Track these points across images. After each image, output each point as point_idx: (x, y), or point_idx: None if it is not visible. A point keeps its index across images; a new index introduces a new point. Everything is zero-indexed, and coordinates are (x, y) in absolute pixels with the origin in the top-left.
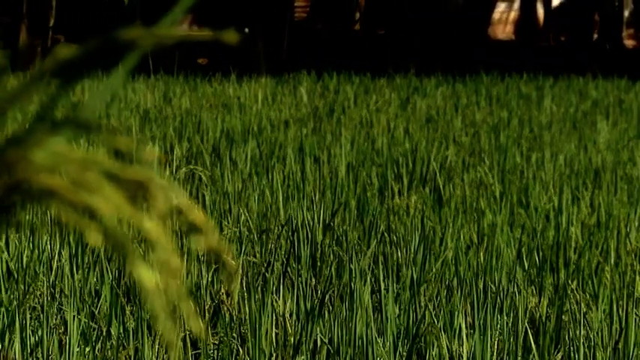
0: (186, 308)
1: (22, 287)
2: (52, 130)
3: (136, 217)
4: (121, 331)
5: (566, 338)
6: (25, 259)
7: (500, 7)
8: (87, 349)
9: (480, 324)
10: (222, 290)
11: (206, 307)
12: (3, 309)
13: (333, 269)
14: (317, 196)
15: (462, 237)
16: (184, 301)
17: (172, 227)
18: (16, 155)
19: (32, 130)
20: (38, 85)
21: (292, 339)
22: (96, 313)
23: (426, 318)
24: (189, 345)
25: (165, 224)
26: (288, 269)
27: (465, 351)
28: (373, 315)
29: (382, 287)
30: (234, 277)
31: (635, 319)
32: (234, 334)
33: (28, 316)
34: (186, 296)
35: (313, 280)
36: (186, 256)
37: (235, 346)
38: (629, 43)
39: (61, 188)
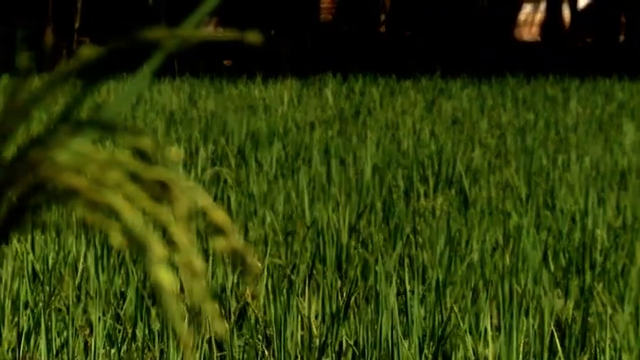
0: (211, 310)
1: (48, 289)
2: (75, 131)
3: (160, 218)
4: (147, 332)
5: (592, 340)
6: (50, 261)
7: (526, 8)
8: (112, 351)
9: (505, 326)
10: (248, 292)
11: (231, 309)
12: (29, 311)
13: (358, 271)
14: (342, 198)
15: (487, 239)
16: (208, 303)
17: (196, 229)
18: (39, 155)
19: (56, 130)
20: (62, 85)
21: (317, 341)
22: (121, 314)
23: (452, 320)
24: (214, 347)
25: (189, 226)
26: (314, 271)
27: (490, 353)
28: (399, 317)
29: (408, 289)
30: (258, 279)
31: None
32: (259, 336)
33: (54, 317)
34: (210, 298)
35: (339, 282)
36: (211, 257)
37: (261, 348)
38: None
39: (84, 188)
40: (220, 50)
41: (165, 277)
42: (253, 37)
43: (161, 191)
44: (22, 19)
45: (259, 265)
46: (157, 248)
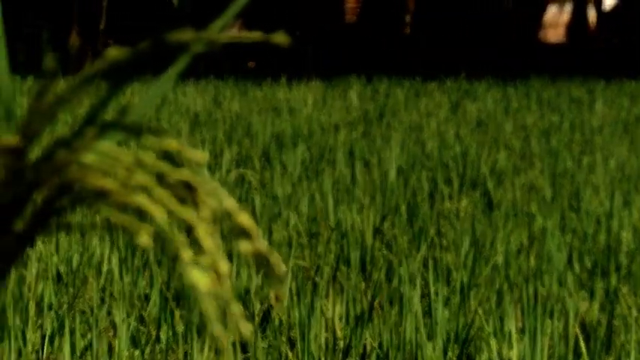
0: (236, 312)
1: (72, 290)
2: (101, 133)
3: (186, 220)
4: (170, 334)
5: (617, 343)
6: (74, 263)
7: (552, 9)
8: (136, 353)
9: (530, 328)
10: (272, 295)
11: (255, 311)
12: (53, 312)
13: (382, 273)
14: (367, 200)
15: (512, 241)
16: (233, 305)
17: (221, 230)
18: (66, 157)
19: (81, 132)
20: (88, 88)
21: (341, 343)
22: (145, 316)
23: (476, 322)
24: (238, 348)
25: (214, 227)
26: (338, 273)
27: (514, 356)
28: (423, 319)
29: (432, 291)
30: (282, 283)
31: None
32: (283, 338)
33: (78, 319)
34: (234, 300)
35: (363, 284)
36: (235, 259)
37: (284, 350)
38: None
39: (110, 190)
40: (245, 52)
41: (199, 279)
42: (280, 38)
43: (186, 193)
44: (47, 20)
45: (284, 268)
46: (184, 251)
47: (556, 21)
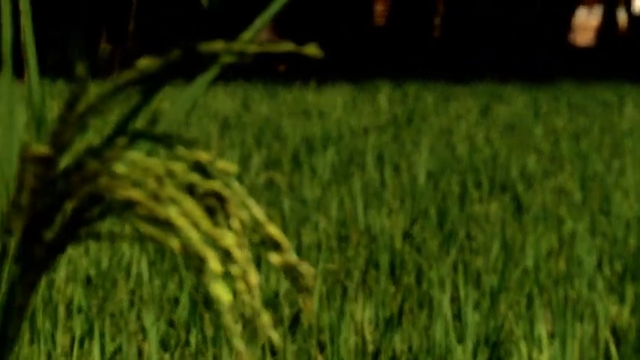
0: (265, 321)
1: (101, 293)
2: (132, 142)
3: (214, 230)
4: (200, 338)
5: None
6: (104, 265)
7: (581, 12)
8: (166, 357)
9: (560, 332)
10: (301, 299)
11: (285, 315)
12: (82, 315)
13: (412, 277)
14: (396, 204)
15: (541, 244)
16: (263, 315)
17: (250, 238)
18: (96, 167)
19: (112, 141)
20: (118, 97)
21: (371, 347)
22: (175, 320)
23: (506, 326)
24: (267, 352)
25: (243, 237)
26: (367, 277)
27: (545, 359)
28: (452, 323)
29: (462, 295)
30: (312, 293)
31: None
32: (312, 342)
33: (107, 322)
34: (263, 308)
35: (392, 287)
36: (264, 262)
37: (314, 354)
38: None
39: (140, 201)
40: (274, 55)
41: (223, 293)
42: (312, 50)
43: (217, 204)
44: (74, 22)
45: (313, 278)
46: (214, 263)
47: (585, 24)
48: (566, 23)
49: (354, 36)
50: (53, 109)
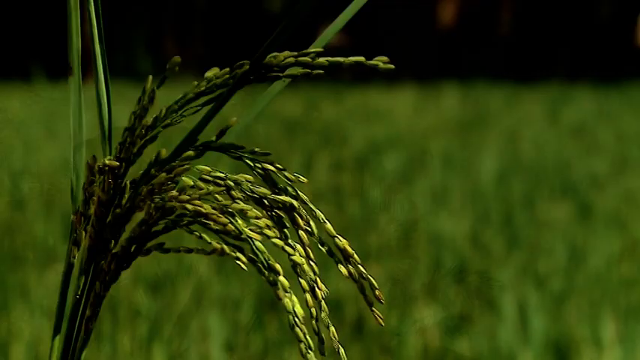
0: (332, 332)
1: (166, 296)
2: (200, 153)
3: (284, 244)
4: (264, 341)
5: None
6: (168, 268)
7: None
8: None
9: (626, 337)
10: (366, 304)
11: (349, 318)
12: (146, 318)
13: (477, 280)
14: (462, 206)
15: (608, 248)
16: (331, 327)
17: (318, 249)
18: (164, 178)
19: (180, 153)
20: (188, 106)
21: (436, 350)
22: (238, 323)
23: (572, 330)
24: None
25: (312, 248)
26: (432, 280)
27: None
28: (518, 327)
29: (528, 298)
30: (382, 304)
31: None
32: (377, 345)
33: (172, 325)
34: (330, 321)
35: (457, 290)
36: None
37: (379, 358)
38: None
39: (208, 213)
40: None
41: (294, 306)
42: (383, 63)
43: (286, 216)
44: (140, 24)
45: (382, 294)
46: (283, 278)
47: None
48: (634, 25)
49: (421, 36)
50: (120, 114)
